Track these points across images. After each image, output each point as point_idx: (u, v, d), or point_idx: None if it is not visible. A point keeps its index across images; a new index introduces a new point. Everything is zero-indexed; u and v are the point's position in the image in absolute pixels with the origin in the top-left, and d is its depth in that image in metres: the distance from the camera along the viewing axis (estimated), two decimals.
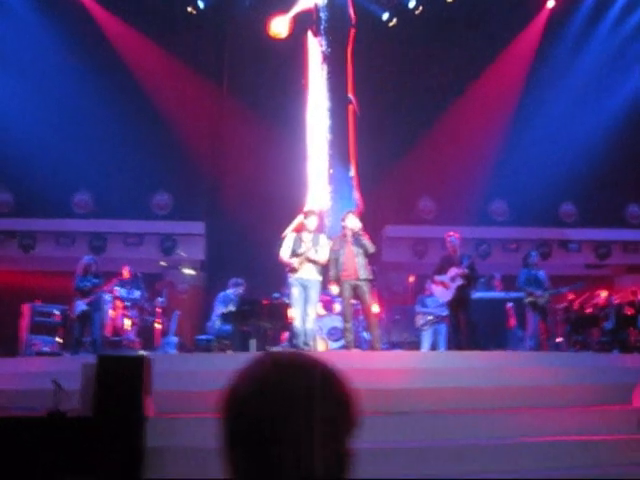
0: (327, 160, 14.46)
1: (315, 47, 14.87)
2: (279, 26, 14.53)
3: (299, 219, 10.06)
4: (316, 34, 14.95)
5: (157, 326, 12.59)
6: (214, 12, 16.67)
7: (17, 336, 12.41)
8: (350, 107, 14.79)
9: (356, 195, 14.24)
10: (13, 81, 15.63)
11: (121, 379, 5.46)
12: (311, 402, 1.42)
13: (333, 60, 14.94)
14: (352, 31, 15.08)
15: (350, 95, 14.76)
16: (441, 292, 10.56)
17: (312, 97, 14.72)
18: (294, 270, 9.20)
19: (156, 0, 16.06)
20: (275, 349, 10.94)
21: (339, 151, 14.69)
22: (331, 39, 15.04)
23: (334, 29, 15.13)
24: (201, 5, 16.42)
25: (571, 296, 13.25)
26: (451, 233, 10.78)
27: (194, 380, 7.10)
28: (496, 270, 14.07)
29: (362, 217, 9.63)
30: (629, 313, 13.14)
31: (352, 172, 14.53)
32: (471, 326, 10.26)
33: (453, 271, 10.36)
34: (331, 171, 14.44)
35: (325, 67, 14.84)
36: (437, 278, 10.58)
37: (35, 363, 9.31)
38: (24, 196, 15.96)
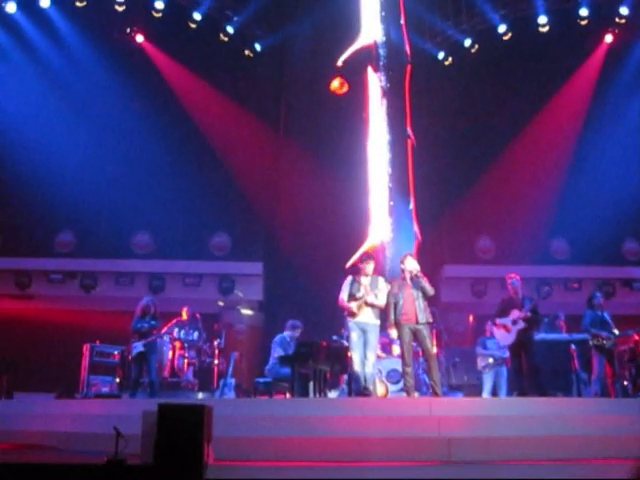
0: (387, 193, 14.54)
1: (375, 82, 15.06)
2: (338, 83, 14.88)
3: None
4: (376, 70, 15.16)
5: (215, 367, 12.59)
6: (271, 55, 16.95)
7: (77, 375, 12.57)
8: (408, 141, 14.87)
9: (415, 227, 14.25)
10: (78, 125, 16.09)
11: (182, 427, 5.45)
12: None
13: (392, 95, 15.10)
14: (409, 67, 15.21)
15: (408, 129, 14.84)
16: (502, 335, 10.34)
17: (372, 131, 14.83)
18: (353, 314, 9.13)
19: (214, 44, 16.41)
20: (334, 392, 10.85)
21: (399, 184, 14.74)
22: (390, 74, 15.23)
23: (392, 65, 15.33)
24: (258, 48, 16.72)
25: (636, 337, 12.82)
26: (512, 275, 10.58)
27: (253, 426, 7.05)
28: (558, 310, 13.75)
29: (420, 257, 9.52)
30: None
31: (411, 205, 14.56)
32: (534, 370, 9.99)
33: (515, 314, 10.14)
34: (391, 203, 14.51)
35: (384, 101, 15.00)
36: (498, 321, 10.36)
37: (95, 406, 9.37)
38: (85, 237, 16.32)
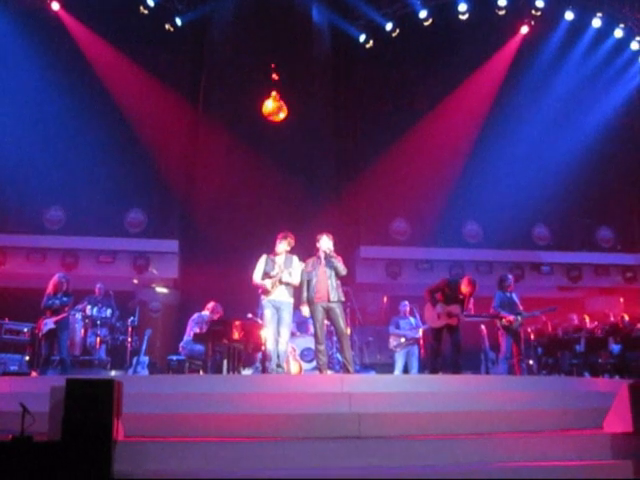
0: None
1: None
2: (273, 106, 14.56)
3: None
4: None
5: (128, 345, 12.43)
6: (192, 29, 16.72)
7: None
8: None
9: None
10: None
11: (90, 402, 5.35)
12: None
13: None
14: None
15: None
16: (432, 318, 10.34)
17: None
18: (267, 292, 9.14)
19: (133, 16, 16.04)
20: (247, 370, 10.88)
21: None
22: None
23: None
24: (179, 22, 16.43)
25: (543, 318, 13.28)
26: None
27: (165, 403, 7.00)
28: None
29: (336, 238, 9.55)
30: (600, 336, 13.21)
31: None
32: (457, 349, 10.11)
33: (456, 309, 10.16)
34: None
35: None
36: (439, 308, 10.24)
37: (1, 383, 9.12)
38: None
